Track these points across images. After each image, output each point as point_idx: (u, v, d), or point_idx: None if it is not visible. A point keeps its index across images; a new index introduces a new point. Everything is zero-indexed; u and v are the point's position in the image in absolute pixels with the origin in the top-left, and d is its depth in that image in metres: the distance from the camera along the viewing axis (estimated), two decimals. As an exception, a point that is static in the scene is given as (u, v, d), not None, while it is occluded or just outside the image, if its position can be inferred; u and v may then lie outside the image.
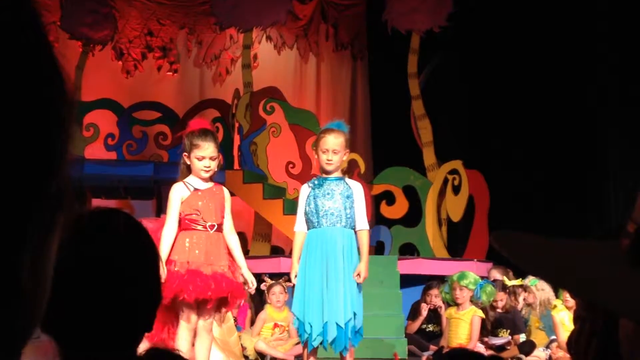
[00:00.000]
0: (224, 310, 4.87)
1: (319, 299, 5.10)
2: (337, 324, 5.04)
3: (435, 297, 8.01)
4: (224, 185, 5.33)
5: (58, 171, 0.59)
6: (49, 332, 1.33)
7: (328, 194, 5.18)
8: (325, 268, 5.11)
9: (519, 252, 0.76)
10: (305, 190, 5.31)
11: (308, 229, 5.23)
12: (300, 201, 5.30)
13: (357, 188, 5.24)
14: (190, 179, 4.83)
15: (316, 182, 5.29)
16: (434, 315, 8.03)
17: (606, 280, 0.71)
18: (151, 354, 1.43)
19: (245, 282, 4.82)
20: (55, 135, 0.59)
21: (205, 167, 4.78)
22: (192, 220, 4.73)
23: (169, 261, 4.60)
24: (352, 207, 5.18)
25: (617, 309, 0.72)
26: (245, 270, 4.83)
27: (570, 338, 1.18)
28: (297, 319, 5.23)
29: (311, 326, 5.11)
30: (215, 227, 4.76)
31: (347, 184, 5.24)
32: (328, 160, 5.22)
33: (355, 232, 5.23)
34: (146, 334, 1.39)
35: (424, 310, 8.02)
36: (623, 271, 0.70)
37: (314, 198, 5.21)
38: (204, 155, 4.77)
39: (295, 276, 5.20)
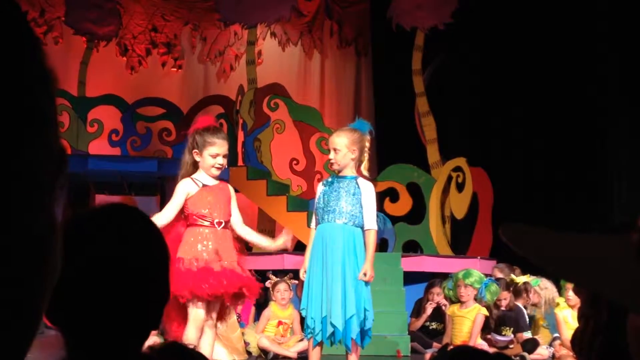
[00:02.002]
0: (231, 306, 4.88)
1: (319, 294, 5.12)
2: (332, 322, 5.04)
3: (438, 295, 8.01)
4: (228, 182, 5.34)
5: (44, 133, 0.60)
6: (58, 325, 1.33)
7: (335, 191, 5.21)
8: (324, 264, 5.13)
9: (527, 245, 0.76)
10: (319, 187, 5.38)
11: (318, 225, 5.27)
12: (315, 199, 5.35)
13: (366, 187, 5.24)
14: (199, 175, 4.84)
15: (329, 180, 5.33)
16: (437, 313, 8.03)
17: (616, 275, 0.71)
18: (167, 349, 1.44)
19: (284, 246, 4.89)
20: (38, 96, 0.59)
21: (218, 164, 4.81)
22: (200, 216, 4.74)
23: (176, 259, 4.60)
24: (357, 205, 5.18)
25: (627, 304, 0.72)
26: (272, 245, 4.88)
27: (574, 336, 1.18)
28: (305, 313, 5.25)
29: (314, 320, 5.13)
30: (223, 224, 4.77)
31: (357, 183, 5.24)
32: (329, 159, 5.25)
33: (363, 231, 5.23)
34: (158, 331, 1.40)
35: (429, 308, 8.02)
36: (633, 266, 0.70)
37: (324, 195, 5.24)
38: (219, 153, 4.80)
39: (304, 272, 5.22)
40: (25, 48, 0.59)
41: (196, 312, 4.64)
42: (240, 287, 4.68)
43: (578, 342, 1.14)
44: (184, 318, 4.67)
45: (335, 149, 5.21)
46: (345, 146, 5.21)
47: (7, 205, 0.57)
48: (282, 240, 4.90)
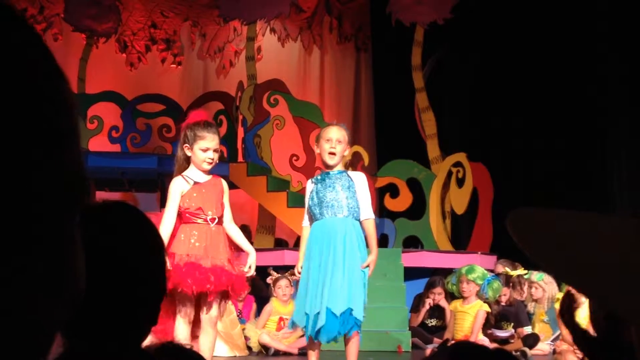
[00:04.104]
0: (224, 303, 4.83)
1: (316, 290, 5.08)
2: (332, 312, 5.00)
3: (439, 295, 8.00)
4: (228, 178, 5.31)
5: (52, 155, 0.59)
6: None
7: (330, 186, 5.16)
8: (323, 257, 5.09)
9: (533, 244, 0.74)
10: (309, 186, 5.31)
11: (312, 222, 5.22)
12: (306, 197, 5.30)
13: (358, 178, 5.22)
14: (190, 172, 4.78)
15: (319, 177, 5.28)
16: (437, 310, 8.03)
17: (620, 285, 0.69)
18: (164, 348, 1.44)
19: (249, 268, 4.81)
20: (50, 126, 0.58)
21: (209, 158, 4.74)
22: (193, 213, 4.70)
23: (168, 254, 4.58)
24: (354, 198, 5.16)
25: (628, 318, 0.71)
26: (251, 256, 4.81)
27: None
28: (296, 311, 5.21)
29: (308, 316, 5.10)
30: (216, 220, 4.73)
31: (348, 176, 5.22)
32: (332, 148, 5.13)
33: (361, 223, 5.20)
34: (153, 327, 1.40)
35: (427, 303, 8.02)
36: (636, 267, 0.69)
37: (317, 192, 5.19)
38: (209, 147, 4.73)
39: (300, 270, 5.18)
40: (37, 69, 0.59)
41: (184, 308, 4.62)
42: (229, 285, 4.65)
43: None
44: (170, 313, 4.65)
45: (338, 140, 5.17)
46: (345, 140, 5.21)
47: None
48: (249, 263, 4.83)
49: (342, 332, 5.03)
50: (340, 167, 5.24)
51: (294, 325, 5.39)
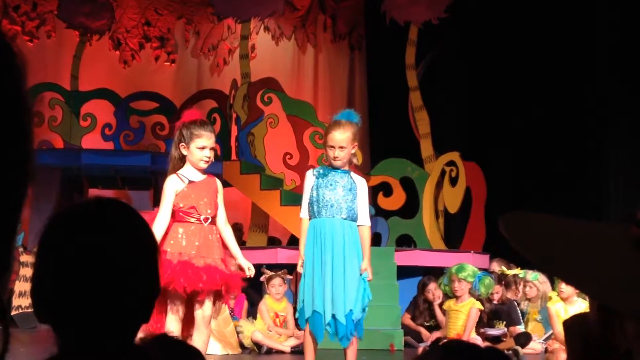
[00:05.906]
0: (218, 302, 4.83)
1: (311, 289, 5.07)
2: (336, 318, 5.01)
3: (436, 290, 7.99)
4: (221, 176, 5.30)
5: (33, 151, 0.60)
6: (47, 321, 1.33)
7: (331, 184, 5.11)
8: (321, 259, 5.08)
9: (527, 243, 0.75)
10: (310, 177, 5.22)
11: (311, 217, 5.19)
12: (306, 188, 5.22)
13: (361, 183, 5.18)
14: (185, 170, 4.77)
15: (321, 171, 5.20)
16: (429, 310, 8.03)
17: (614, 280, 0.70)
18: (159, 341, 1.44)
19: (243, 270, 4.80)
20: (25, 118, 0.59)
21: (205, 157, 4.73)
22: (186, 212, 4.69)
23: (161, 252, 4.56)
24: (354, 200, 5.13)
25: (624, 310, 0.71)
26: (241, 259, 4.80)
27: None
28: (300, 307, 5.20)
29: (303, 314, 5.10)
30: (209, 220, 4.72)
31: (351, 177, 5.17)
32: (335, 157, 5.10)
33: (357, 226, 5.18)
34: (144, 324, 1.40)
35: (426, 313, 7.98)
36: (630, 264, 0.70)
37: (317, 188, 5.14)
38: (205, 145, 4.73)
39: (302, 264, 5.13)
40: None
41: (175, 306, 4.62)
42: (222, 285, 4.65)
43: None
44: (161, 309, 4.64)
45: (341, 147, 5.10)
46: (350, 142, 5.14)
47: None
48: (246, 265, 4.82)
49: (347, 333, 5.03)
50: (345, 167, 5.21)
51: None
